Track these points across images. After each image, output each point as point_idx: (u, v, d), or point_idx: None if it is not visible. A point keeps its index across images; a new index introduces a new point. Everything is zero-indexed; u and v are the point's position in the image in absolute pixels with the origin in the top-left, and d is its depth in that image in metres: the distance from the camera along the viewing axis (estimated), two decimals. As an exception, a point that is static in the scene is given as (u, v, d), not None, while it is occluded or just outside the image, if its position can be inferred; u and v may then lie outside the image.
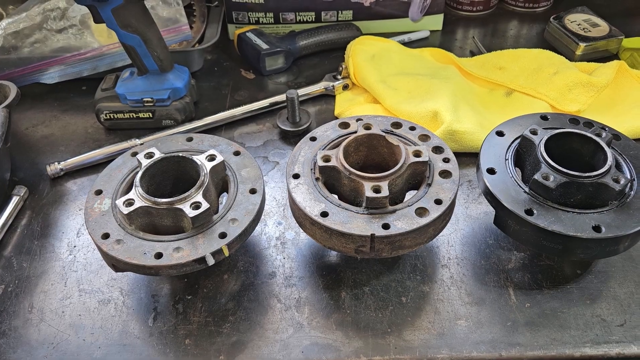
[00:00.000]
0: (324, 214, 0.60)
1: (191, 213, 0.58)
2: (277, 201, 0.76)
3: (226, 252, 0.58)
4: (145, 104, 0.84)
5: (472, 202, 0.75)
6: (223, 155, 0.66)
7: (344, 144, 0.65)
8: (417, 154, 0.63)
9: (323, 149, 0.67)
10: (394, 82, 0.89)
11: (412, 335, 0.61)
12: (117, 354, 0.60)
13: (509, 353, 0.59)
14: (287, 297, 0.65)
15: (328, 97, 0.93)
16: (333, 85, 0.92)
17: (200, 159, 0.64)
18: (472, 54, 1.02)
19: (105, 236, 0.59)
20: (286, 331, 0.62)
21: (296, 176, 0.64)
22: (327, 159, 0.63)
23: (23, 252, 0.71)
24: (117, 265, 0.58)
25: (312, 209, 0.60)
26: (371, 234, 0.58)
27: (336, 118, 0.89)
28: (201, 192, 0.60)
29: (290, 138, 0.86)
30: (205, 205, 0.59)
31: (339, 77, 0.93)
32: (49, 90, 0.96)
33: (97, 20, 0.77)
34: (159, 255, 0.57)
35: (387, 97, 0.86)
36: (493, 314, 0.63)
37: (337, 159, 0.63)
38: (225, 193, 0.66)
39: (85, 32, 0.92)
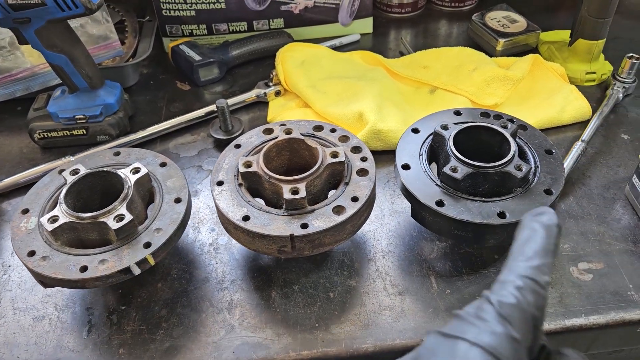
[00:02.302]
0: (246, 218, 0.62)
1: (114, 225, 0.60)
2: (210, 208, 0.78)
3: (151, 261, 0.60)
4: (78, 122, 0.85)
5: (398, 197, 0.79)
6: (149, 167, 0.68)
7: (264, 149, 0.67)
8: (334, 154, 0.66)
9: (246, 155, 0.69)
10: (323, 86, 0.92)
11: (338, 329, 0.64)
12: (51, 368, 0.61)
13: (430, 338, 0.62)
14: (219, 301, 0.67)
15: (262, 104, 0.96)
16: (265, 92, 0.94)
17: (124, 172, 0.65)
18: (402, 55, 1.05)
19: (31, 254, 0.60)
20: (218, 333, 0.64)
21: (220, 183, 0.66)
22: (248, 164, 0.66)
23: (-43, 275, 0.71)
24: (44, 281, 0.60)
25: (235, 214, 0.62)
26: (290, 234, 0.60)
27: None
28: (125, 205, 0.62)
29: (224, 146, 0.88)
30: (128, 217, 0.60)
31: (271, 84, 0.95)
32: (-18, 112, 0.96)
33: (22, 41, 0.78)
34: (84, 269, 0.58)
35: (317, 101, 0.89)
36: (416, 302, 0.66)
37: (258, 164, 0.65)
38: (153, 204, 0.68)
39: (16, 53, 0.92)
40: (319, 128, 0.73)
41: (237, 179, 0.67)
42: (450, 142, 0.66)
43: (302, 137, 0.69)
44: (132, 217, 0.60)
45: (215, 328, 0.64)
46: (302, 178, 0.63)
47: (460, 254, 0.71)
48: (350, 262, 0.71)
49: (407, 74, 0.95)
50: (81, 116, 0.85)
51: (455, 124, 0.69)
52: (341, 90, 0.91)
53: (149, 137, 0.89)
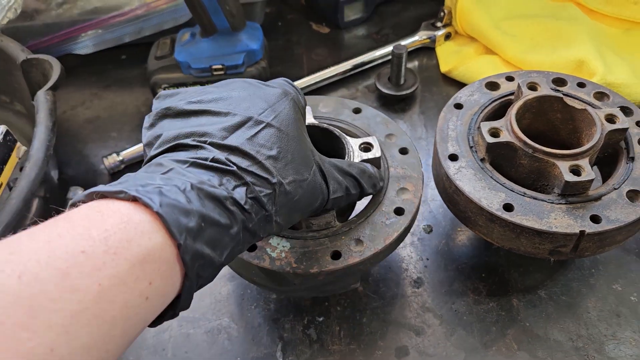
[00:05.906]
0: (508, 207, 0.45)
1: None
2: (400, 185, 0.62)
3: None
4: (215, 73, 0.68)
5: (642, 171, 0.61)
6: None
7: (513, 111, 0.49)
8: (611, 119, 0.49)
9: (477, 118, 0.52)
10: (510, 27, 0.73)
11: (616, 351, 0.48)
12: (247, 402, 0.47)
13: None
14: (447, 310, 0.51)
15: (426, 50, 0.77)
16: (435, 35, 0.75)
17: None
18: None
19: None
20: (457, 356, 0.48)
21: (453, 157, 0.49)
22: (495, 133, 0.48)
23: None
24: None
25: (491, 201, 0.46)
26: (580, 231, 0.43)
27: (443, 75, 0.73)
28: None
29: (393, 104, 0.71)
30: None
31: (439, 24, 0.76)
32: (80, 62, 0.78)
33: (155, -33, 0.60)
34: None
35: (507, 47, 0.71)
36: None
37: (511, 132, 0.48)
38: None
39: (125, -13, 0.74)
40: (560, 82, 0.55)
41: (476, 152, 0.49)
42: None
43: (560, 95, 0.51)
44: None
45: (450, 348, 0.49)
46: (583, 152, 0.46)
47: None
48: (603, 260, 0.54)
49: (612, 11, 0.75)
50: (219, 66, 0.67)
51: None
52: (535, 33, 0.72)
53: (296, 93, 0.71)
